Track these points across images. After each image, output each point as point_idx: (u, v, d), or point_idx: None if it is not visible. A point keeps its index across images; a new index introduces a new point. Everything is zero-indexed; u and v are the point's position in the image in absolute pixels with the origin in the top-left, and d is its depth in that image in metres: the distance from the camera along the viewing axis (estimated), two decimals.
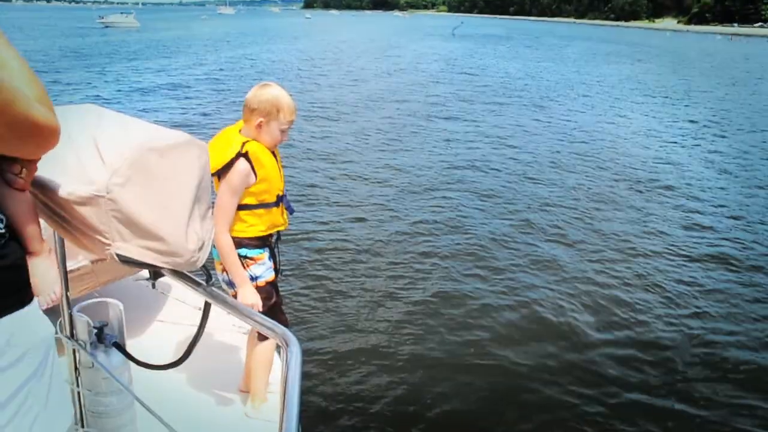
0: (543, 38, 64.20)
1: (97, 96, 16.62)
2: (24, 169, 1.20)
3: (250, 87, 2.52)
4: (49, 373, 1.22)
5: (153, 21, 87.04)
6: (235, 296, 2.41)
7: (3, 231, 1.14)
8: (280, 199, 2.54)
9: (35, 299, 1.22)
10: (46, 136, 1.09)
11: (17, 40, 39.40)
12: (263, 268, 2.52)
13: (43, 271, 1.31)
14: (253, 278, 2.49)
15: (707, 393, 4.08)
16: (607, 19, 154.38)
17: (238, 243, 2.44)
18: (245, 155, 2.37)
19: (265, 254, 2.53)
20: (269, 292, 2.54)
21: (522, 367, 4.28)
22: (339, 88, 19.96)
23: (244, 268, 2.47)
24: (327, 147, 11.22)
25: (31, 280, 1.23)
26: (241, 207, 2.43)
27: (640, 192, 8.99)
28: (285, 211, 2.60)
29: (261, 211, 2.47)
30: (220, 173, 2.37)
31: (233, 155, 2.35)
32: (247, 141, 2.41)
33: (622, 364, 4.36)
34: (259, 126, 2.43)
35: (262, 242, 2.52)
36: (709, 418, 3.83)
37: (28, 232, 1.27)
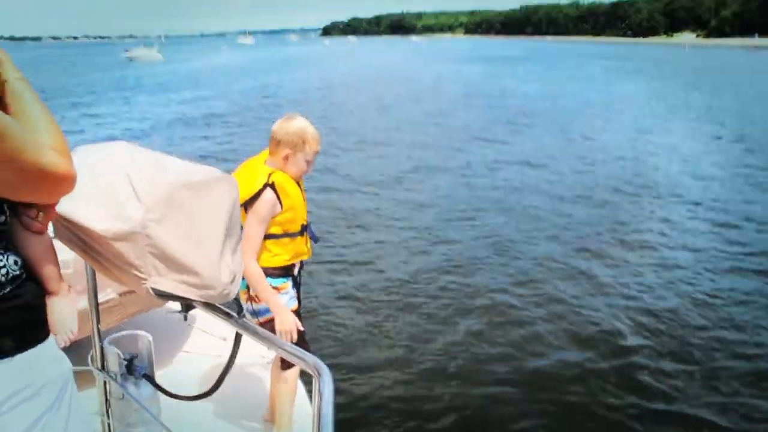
0: (561, 58, 64.19)
1: (128, 128, 17.06)
2: (40, 213, 1.25)
3: (274, 115, 2.58)
4: (66, 407, 1.24)
5: (176, 53, 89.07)
6: (260, 325, 2.43)
7: (19, 272, 1.18)
8: (304, 229, 2.57)
9: (51, 337, 1.25)
10: (57, 182, 1.12)
11: (48, 76, 40.70)
12: (287, 298, 2.54)
13: (60, 311, 1.34)
14: None
15: (741, 402, 4.04)
16: (624, 35, 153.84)
17: (263, 272, 2.47)
18: (272, 186, 2.41)
19: (288, 283, 2.55)
20: None
21: (560, 378, 4.31)
22: (361, 113, 20.22)
23: None
24: (355, 172, 11.37)
25: (49, 319, 1.27)
26: (266, 236, 2.46)
27: (667, 207, 8.90)
28: (309, 240, 2.63)
29: (286, 240, 2.50)
30: (247, 204, 2.41)
31: (260, 186, 2.39)
32: (273, 172, 2.45)
33: (655, 373, 4.37)
34: (286, 158, 2.47)
35: (285, 272, 2.54)
36: (743, 427, 3.79)
37: (45, 273, 1.30)
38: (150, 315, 3.16)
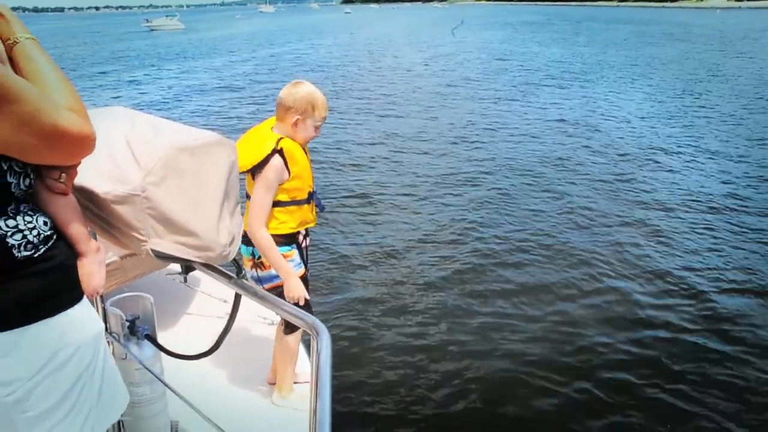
0: (584, 23, 62.61)
1: (149, 96, 17.16)
2: (63, 174, 1.25)
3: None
4: (101, 368, 1.27)
5: (197, 22, 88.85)
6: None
7: (49, 233, 1.19)
8: (311, 196, 2.56)
9: (85, 298, 1.26)
10: (77, 143, 1.13)
11: (70, 46, 40.96)
12: (292, 265, 2.54)
13: (90, 271, 1.33)
14: None
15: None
16: (651, 0, 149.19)
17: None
18: (280, 152, 2.39)
19: (294, 251, 2.55)
20: None
21: (572, 346, 4.26)
22: (380, 80, 20.00)
23: None
24: (364, 135, 11.43)
25: (81, 279, 1.28)
26: (274, 204, 2.45)
27: (684, 166, 8.78)
28: (315, 207, 2.62)
29: (293, 207, 2.50)
30: (255, 170, 2.39)
31: (269, 152, 2.37)
32: (282, 138, 2.43)
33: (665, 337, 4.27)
34: (296, 124, 2.44)
35: (291, 239, 2.54)
36: None
37: (73, 233, 1.30)
38: (151, 278, 3.20)
